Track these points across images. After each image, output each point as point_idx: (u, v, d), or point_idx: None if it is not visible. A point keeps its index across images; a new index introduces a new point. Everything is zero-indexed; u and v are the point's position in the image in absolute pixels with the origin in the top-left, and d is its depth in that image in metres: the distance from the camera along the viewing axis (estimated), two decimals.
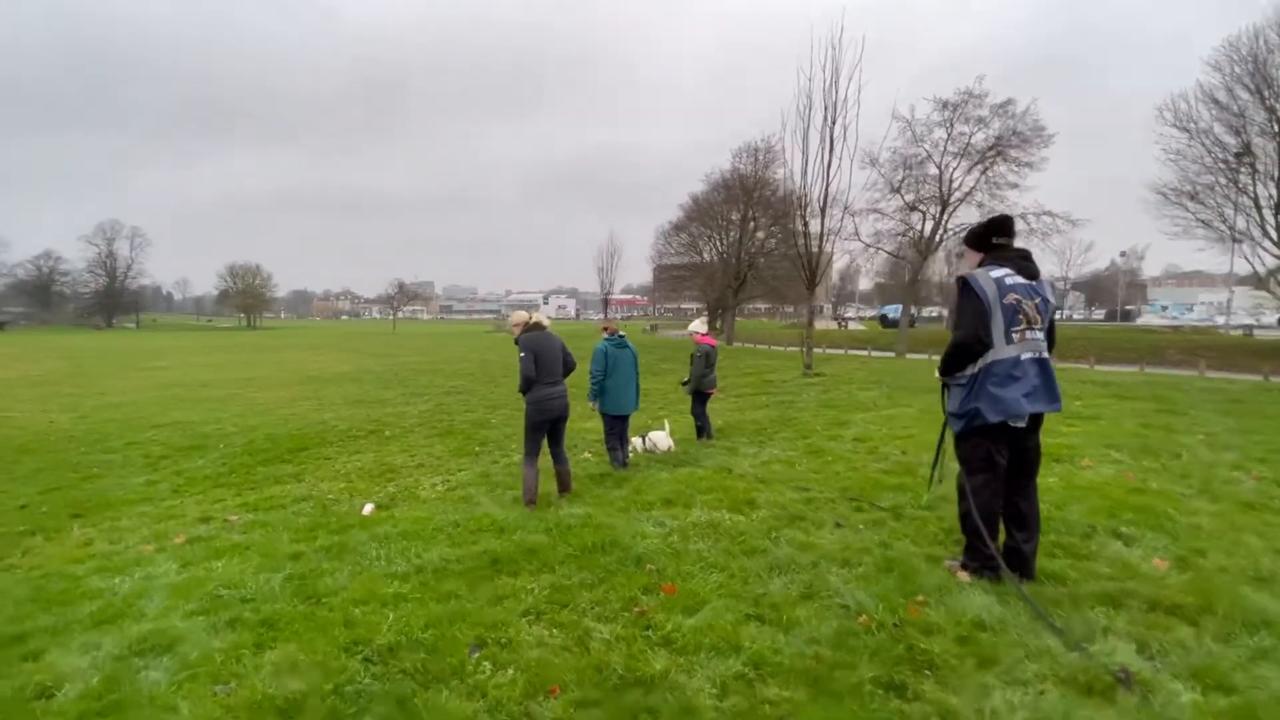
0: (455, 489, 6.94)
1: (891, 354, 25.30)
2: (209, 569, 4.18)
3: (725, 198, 35.20)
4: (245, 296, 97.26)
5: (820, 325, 54.97)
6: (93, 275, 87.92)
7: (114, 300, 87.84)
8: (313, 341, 51.24)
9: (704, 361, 8.29)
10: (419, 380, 20.71)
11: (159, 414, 13.95)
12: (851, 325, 54.49)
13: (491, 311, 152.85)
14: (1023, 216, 22.38)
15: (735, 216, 34.45)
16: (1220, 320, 41.25)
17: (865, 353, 26.90)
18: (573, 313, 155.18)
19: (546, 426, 5.51)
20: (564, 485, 5.67)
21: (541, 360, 5.38)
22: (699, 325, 8.78)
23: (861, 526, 3.94)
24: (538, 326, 5.61)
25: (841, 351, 27.46)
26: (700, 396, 8.46)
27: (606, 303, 71.30)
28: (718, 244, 39.58)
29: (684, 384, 8.75)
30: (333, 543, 4.58)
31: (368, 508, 6.12)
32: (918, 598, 2.83)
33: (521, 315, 5.76)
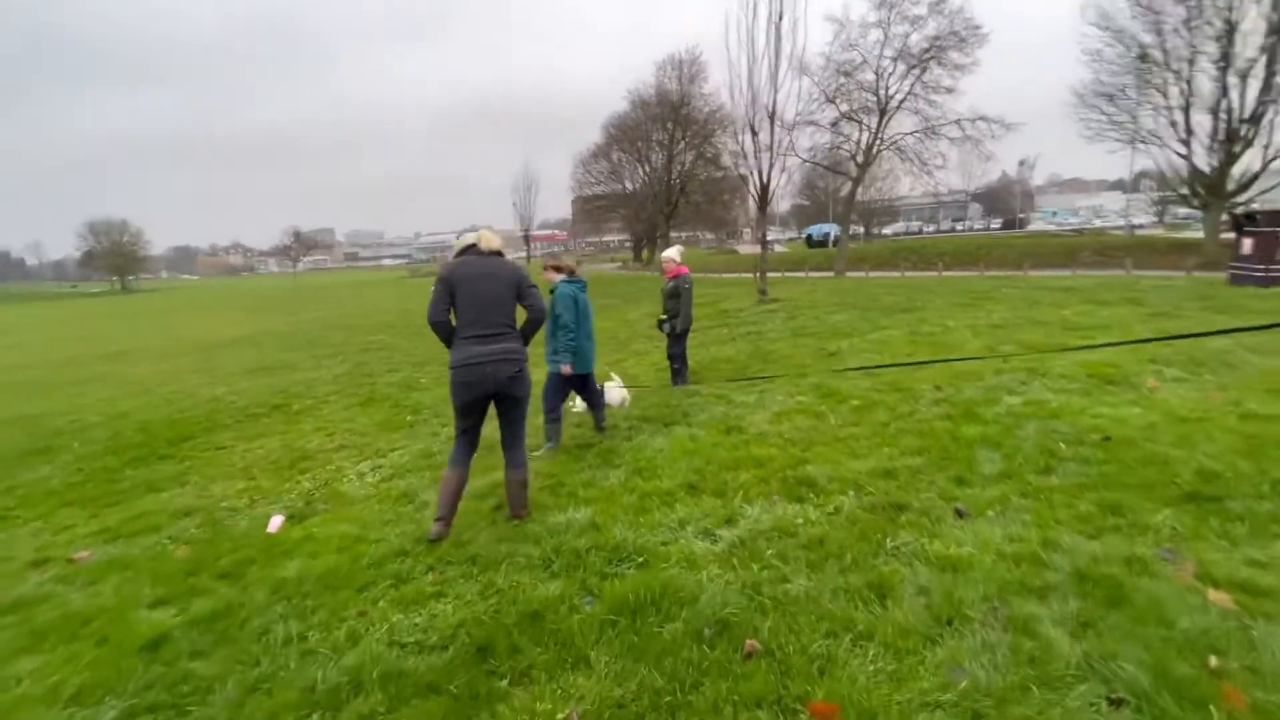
0: (390, 478, 5.47)
1: (830, 274, 24.90)
2: (7, 689, 2.65)
3: (648, 116, 32.87)
4: (113, 257, 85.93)
5: (744, 249, 54.67)
6: None
7: None
8: (199, 302, 45.78)
9: (690, 295, 7.08)
10: (330, 338, 18.35)
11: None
12: (776, 248, 54.47)
13: (402, 256, 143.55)
14: (957, 122, 21.85)
15: (661, 137, 32.32)
16: (1098, 223, 44.67)
17: (803, 275, 26.40)
18: None
19: (479, 407, 3.54)
20: (514, 504, 3.68)
21: (463, 298, 3.41)
22: (675, 254, 7.37)
23: (992, 513, 2.86)
24: (473, 250, 3.61)
25: (779, 275, 26.82)
26: (683, 336, 7.22)
27: (528, 239, 67.83)
28: (643, 169, 37.47)
29: (663, 323, 7.36)
30: (217, 605, 3.12)
31: (275, 521, 4.60)
32: (1210, 661, 1.76)
33: (465, 239, 3.75)
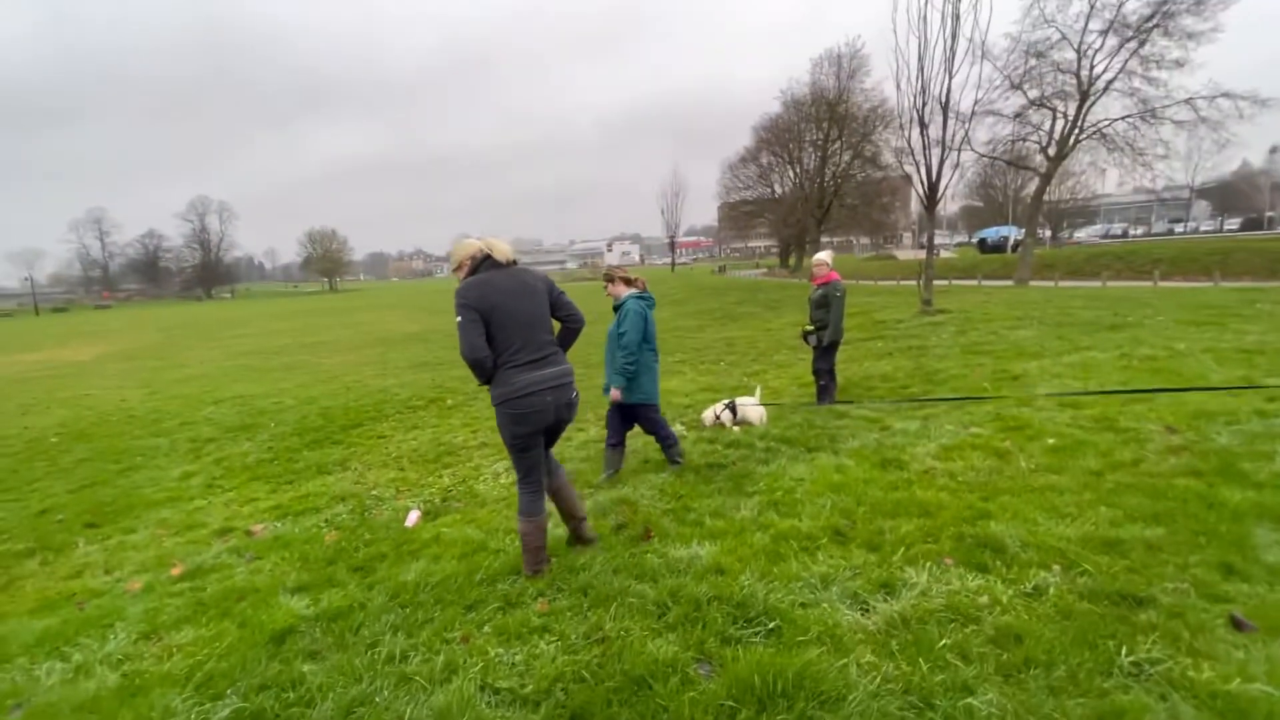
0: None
1: (1008, 282, 21.94)
2: (162, 658, 2.82)
3: (802, 116, 31.46)
4: (325, 261, 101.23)
5: (903, 255, 50.35)
6: (189, 250, 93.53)
7: (210, 272, 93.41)
8: (386, 301, 52.00)
9: (842, 305, 6.42)
10: None
11: (223, 387, 13.41)
12: (942, 254, 49.57)
13: (557, 263, 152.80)
14: (1188, 102, 18.14)
15: (815, 137, 30.76)
16: None
17: (974, 283, 23.57)
18: (637, 258, 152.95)
19: (540, 440, 3.11)
20: (579, 532, 3.39)
21: (500, 322, 2.90)
22: (826, 258, 6.67)
23: None
24: (490, 264, 3.01)
25: (945, 283, 24.23)
26: (831, 349, 6.52)
27: (673, 245, 68.62)
28: (793, 172, 35.99)
29: (809, 335, 6.67)
30: (343, 602, 3.14)
31: (412, 517, 4.73)
32: None
33: (468, 247, 3.07)
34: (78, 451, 8.82)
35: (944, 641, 2.06)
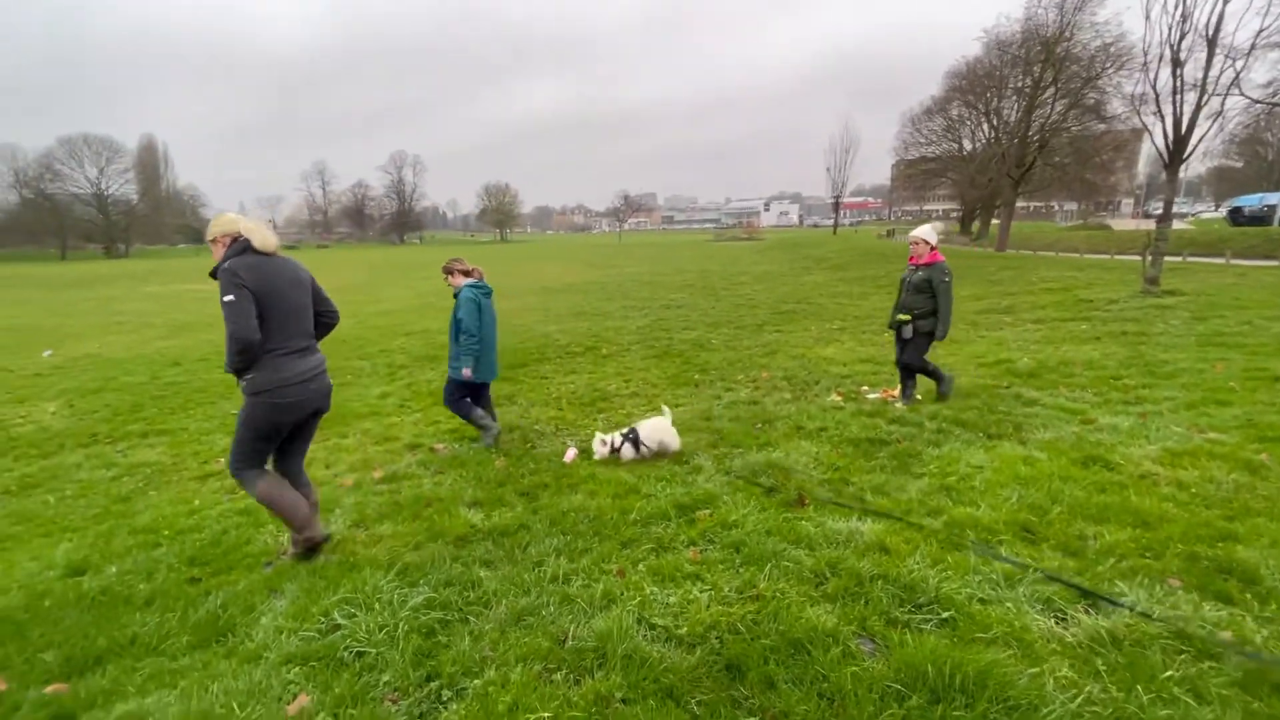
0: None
1: (1271, 262, 17.72)
2: (369, 544, 3.30)
3: (1007, 60, 27.30)
4: (497, 213, 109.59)
5: (1119, 225, 42.45)
6: (388, 199, 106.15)
7: (404, 219, 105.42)
8: (548, 253, 55.14)
9: (950, 291, 5.47)
10: (640, 293, 20.08)
11: (413, 321, 15.16)
12: (1175, 225, 41.16)
13: (711, 220, 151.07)
14: None
15: (1021, 83, 26.61)
16: None
17: (1220, 261, 19.35)
18: (795, 219, 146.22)
19: (287, 430, 3.01)
20: (312, 526, 3.16)
21: (273, 309, 2.78)
22: (931, 234, 5.61)
23: None
24: (249, 249, 2.83)
25: (1177, 259, 20.21)
26: (927, 340, 5.68)
27: (837, 206, 64.41)
28: (988, 126, 31.63)
29: (902, 325, 5.66)
30: (511, 521, 3.44)
31: (570, 453, 5.02)
32: None
33: (229, 223, 2.91)
34: None
35: (1170, 673, 1.74)
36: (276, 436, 3.01)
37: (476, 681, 1.95)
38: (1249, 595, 2.16)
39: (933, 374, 5.87)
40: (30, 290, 29.70)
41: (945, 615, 2.11)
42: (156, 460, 5.98)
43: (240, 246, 2.83)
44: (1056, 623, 2.06)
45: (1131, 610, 2.05)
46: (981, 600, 2.22)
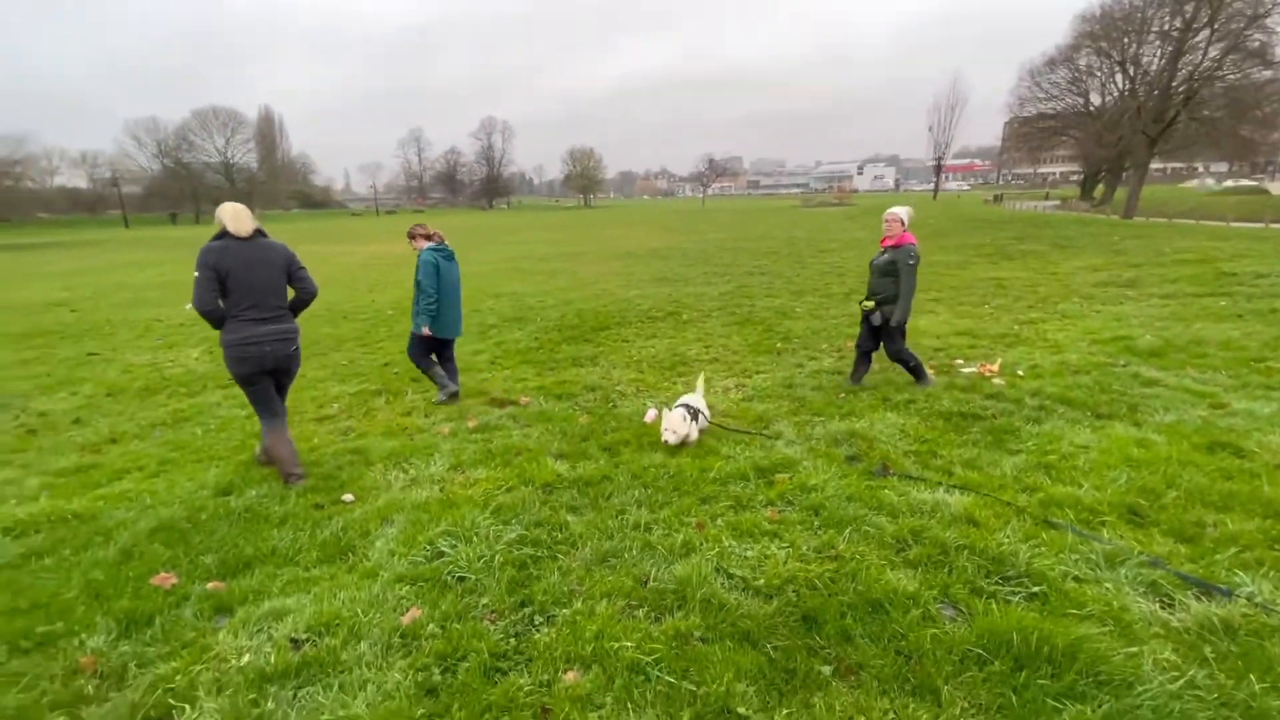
0: (750, 399, 5.55)
1: None
2: (466, 485, 3.58)
3: (1152, 0, 24.08)
4: (582, 178, 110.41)
5: (1278, 189, 36.89)
6: (478, 165, 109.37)
7: (492, 185, 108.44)
8: (631, 218, 55.19)
9: (914, 275, 5.16)
10: (722, 258, 19.82)
11: (501, 284, 15.76)
12: None
13: (799, 185, 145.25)
14: None
15: (1168, 25, 23.43)
16: None
17: None
18: (891, 183, 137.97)
19: (261, 381, 3.71)
20: (285, 470, 3.80)
21: (234, 283, 3.49)
22: (906, 213, 5.33)
23: None
24: (228, 234, 3.53)
25: None
26: (898, 331, 5.36)
27: (939, 168, 60.15)
28: (1121, 76, 28.23)
29: (870, 313, 5.37)
30: (595, 473, 3.61)
31: (650, 414, 5.14)
32: None
33: (218, 216, 3.63)
34: (405, 323, 11.27)
35: None
36: (249, 384, 3.73)
37: (565, 610, 2.11)
38: None
39: (913, 369, 5.48)
40: (173, 250, 33.20)
41: (1035, 589, 2.06)
42: None
43: (219, 232, 3.56)
44: (1161, 607, 1.96)
45: (1250, 600, 1.91)
46: (1077, 579, 2.14)
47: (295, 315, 3.90)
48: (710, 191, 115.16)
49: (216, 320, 3.56)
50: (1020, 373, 5.72)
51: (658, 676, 1.77)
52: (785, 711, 1.61)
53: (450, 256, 5.57)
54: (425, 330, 5.49)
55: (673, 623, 1.99)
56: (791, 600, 2.08)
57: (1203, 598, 1.99)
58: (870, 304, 5.34)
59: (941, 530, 2.53)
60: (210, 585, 2.52)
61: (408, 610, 2.23)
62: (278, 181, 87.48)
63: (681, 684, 1.73)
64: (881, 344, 5.51)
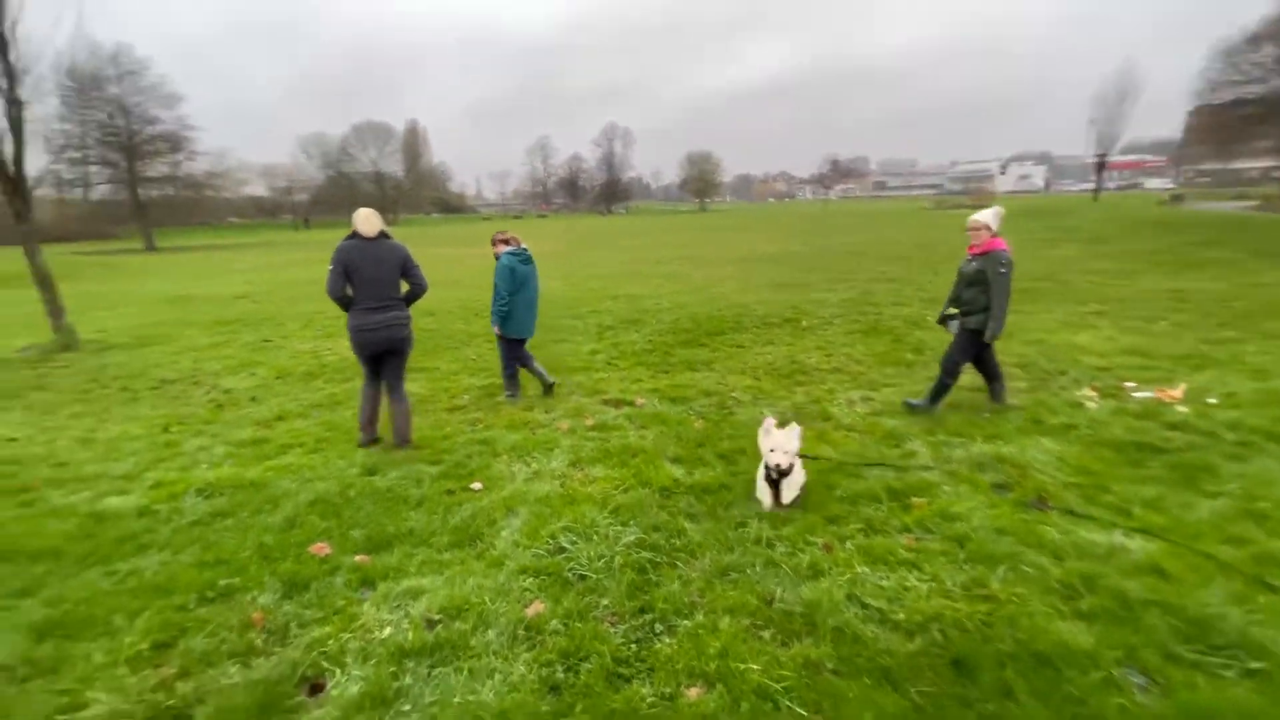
0: (879, 413, 5.20)
1: None
2: (585, 483, 3.64)
3: None
4: (699, 182, 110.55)
5: None
6: (599, 170, 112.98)
7: (611, 190, 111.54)
8: (748, 223, 54.39)
9: (1007, 285, 4.71)
10: (845, 264, 18.94)
11: (617, 286, 16.09)
12: None
13: (932, 186, 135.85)
14: None
15: None
16: None
17: None
18: (1040, 183, 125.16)
19: (367, 358, 4.40)
20: (398, 433, 4.53)
21: (358, 276, 4.16)
22: (991, 218, 4.84)
23: None
24: (356, 235, 4.22)
25: None
26: (984, 341, 4.90)
27: (1101, 166, 53.59)
28: None
29: (951, 319, 5.08)
30: (712, 480, 3.53)
31: (767, 423, 4.97)
32: None
33: (353, 220, 4.36)
34: None
35: None
36: (364, 362, 4.44)
37: (687, 622, 2.05)
38: None
39: (940, 387, 5.03)
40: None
41: (1255, 666, 1.70)
42: (417, 392, 7.19)
43: (351, 233, 4.24)
44: None
45: None
46: None
47: (409, 305, 4.49)
48: (833, 194, 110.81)
49: (344, 306, 4.27)
50: (1212, 400, 4.91)
51: (788, 707, 1.65)
52: None
53: (527, 260, 5.88)
54: (496, 329, 5.88)
55: (801, 649, 1.86)
56: (938, 641, 1.87)
57: None
58: (954, 311, 5.05)
59: (1121, 579, 2.18)
60: (358, 558, 2.73)
61: (531, 603, 2.27)
62: (420, 189, 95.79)
63: (814, 718, 1.60)
64: (979, 356, 5.07)
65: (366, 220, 4.30)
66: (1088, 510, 2.94)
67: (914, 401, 5.24)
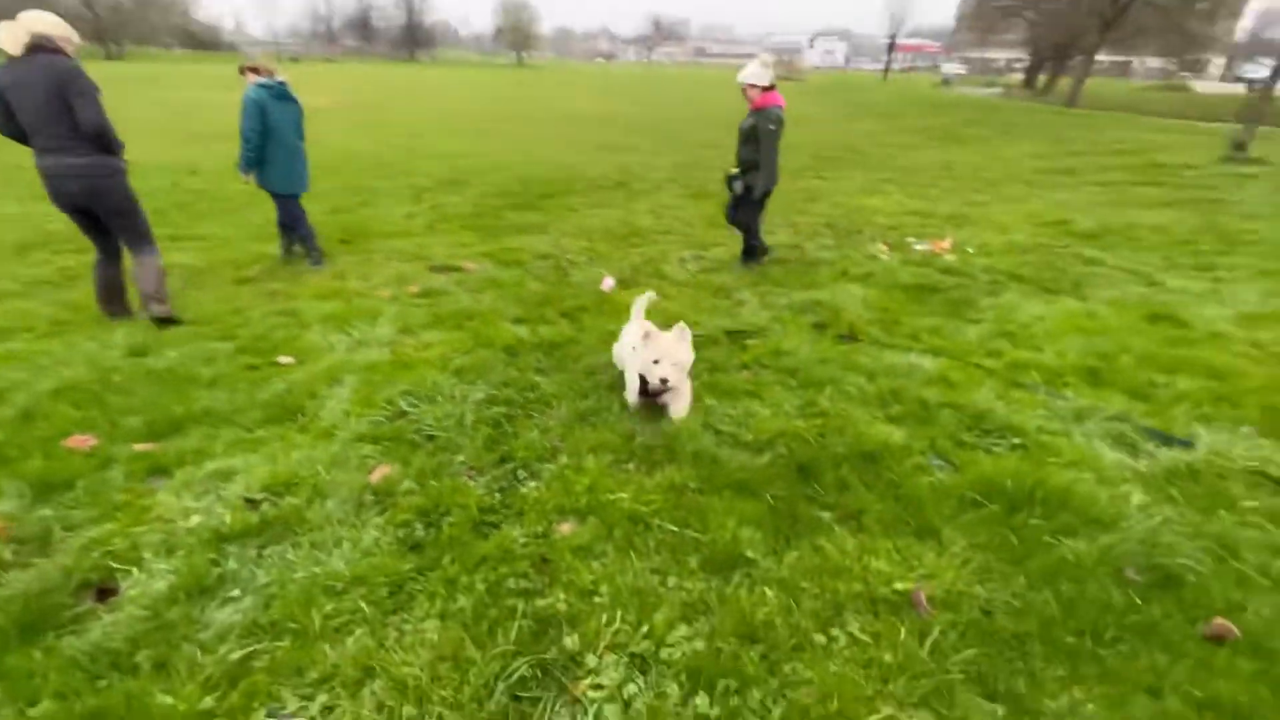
0: (710, 270, 5.41)
1: None
2: (419, 349, 3.32)
3: None
4: (514, 33, 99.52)
5: (1203, 87, 38.07)
6: (395, 9, 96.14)
7: (411, 34, 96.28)
8: (570, 80, 50.98)
9: (776, 141, 4.68)
10: (672, 128, 18.78)
11: (433, 144, 14.38)
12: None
13: (748, 55, 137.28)
14: None
15: None
16: None
17: None
18: (841, 59, 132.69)
19: (82, 219, 3.47)
20: (147, 295, 3.67)
21: (16, 108, 3.12)
22: (760, 73, 4.67)
23: None
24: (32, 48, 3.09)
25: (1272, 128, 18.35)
26: (761, 200, 5.01)
27: (891, 46, 58.01)
28: None
29: (734, 179, 4.97)
30: (558, 336, 3.43)
31: (608, 282, 4.92)
32: None
33: (2, 25, 3.14)
34: (326, 183, 10.14)
35: (1252, 503, 1.75)
36: (74, 220, 3.48)
37: (551, 466, 2.00)
38: None
39: (747, 248, 5.22)
40: None
41: (1016, 442, 2.11)
42: (189, 264, 5.94)
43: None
44: (1129, 456, 2.06)
45: (1209, 449, 2.03)
46: (1050, 433, 2.21)
47: (103, 150, 3.33)
48: (655, 57, 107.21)
49: (20, 142, 3.26)
50: (971, 250, 5.79)
51: (659, 525, 1.72)
52: (794, 554, 1.60)
53: (284, 96, 4.78)
54: (249, 178, 4.94)
55: (665, 476, 1.93)
56: (783, 453, 2.05)
57: (1164, 448, 2.10)
58: (735, 170, 4.91)
59: (919, 389, 2.55)
60: (139, 447, 2.24)
61: (375, 468, 2.06)
62: (147, 13, 74.03)
63: (685, 532, 1.69)
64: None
65: (9, 32, 3.07)
66: (889, 339, 3.37)
67: (743, 264, 5.43)
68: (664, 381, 2.25)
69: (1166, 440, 2.12)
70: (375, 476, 2.00)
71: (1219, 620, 1.35)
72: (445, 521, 1.77)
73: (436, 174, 10.79)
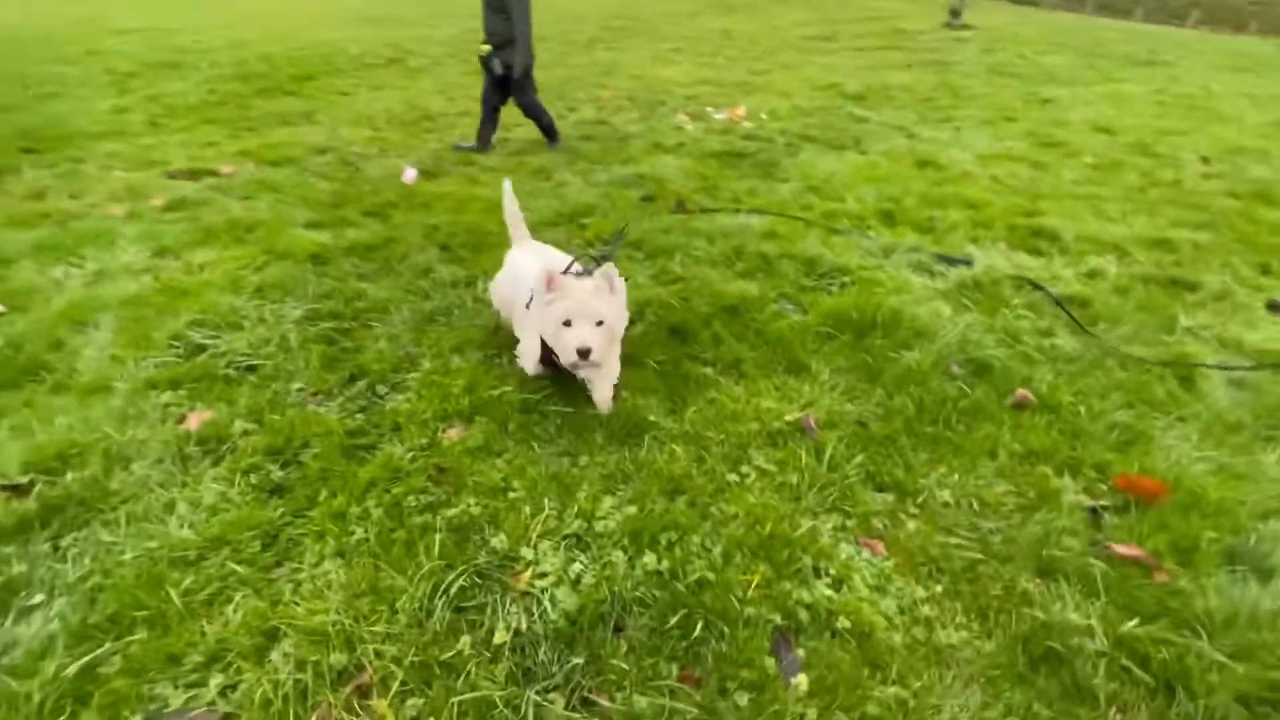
0: (520, 153, 5.06)
1: (1036, 8, 19.50)
2: (192, 271, 2.70)
3: None
4: None
5: None
6: None
7: None
8: None
9: (527, 10, 4.41)
10: None
11: (118, 17, 11.04)
12: None
13: None
14: None
15: None
16: None
17: (1007, 2, 20.80)
18: None
19: None
20: None
21: None
22: None
23: None
24: None
25: None
26: (525, 82, 4.63)
27: None
28: None
29: (490, 59, 4.53)
30: (371, 238, 3.02)
31: (409, 174, 4.38)
32: None
33: None
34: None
35: (1019, 301, 2.18)
36: None
37: (414, 375, 1.80)
38: (1054, 249, 2.71)
39: (545, 126, 4.88)
40: None
41: (846, 279, 2.36)
42: None
43: None
44: (929, 279, 2.42)
45: (978, 266, 2.46)
46: (869, 268, 2.50)
47: None
48: None
49: None
50: (764, 116, 6.10)
51: (551, 410, 1.66)
52: (692, 410, 1.66)
53: None
54: None
55: None
56: (654, 321, 2.07)
57: (952, 268, 2.51)
58: (485, 49, 4.46)
59: (757, 245, 2.71)
60: None
61: (186, 416, 1.68)
62: None
63: (584, 411, 1.65)
64: (511, 98, 4.66)
65: None
66: (716, 204, 3.48)
67: (552, 146, 5.07)
68: (584, 354, 1.51)
69: (953, 262, 2.53)
70: (193, 424, 1.63)
71: (1020, 391, 1.72)
72: (306, 454, 1.52)
73: (139, 55, 8.38)
